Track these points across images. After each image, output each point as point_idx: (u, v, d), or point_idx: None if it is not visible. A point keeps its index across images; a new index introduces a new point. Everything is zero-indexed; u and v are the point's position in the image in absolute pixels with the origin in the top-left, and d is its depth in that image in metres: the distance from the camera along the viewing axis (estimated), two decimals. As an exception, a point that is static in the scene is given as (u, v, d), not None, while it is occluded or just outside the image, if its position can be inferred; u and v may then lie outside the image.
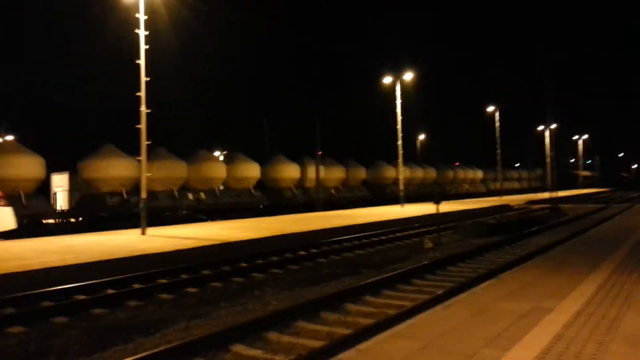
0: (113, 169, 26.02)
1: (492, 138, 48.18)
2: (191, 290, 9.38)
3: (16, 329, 6.98)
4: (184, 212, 28.83)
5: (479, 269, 10.61)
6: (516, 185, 69.70)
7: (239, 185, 32.70)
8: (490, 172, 62.34)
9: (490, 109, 47.76)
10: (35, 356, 6.01)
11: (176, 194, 28.60)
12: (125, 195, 26.27)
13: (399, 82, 31.79)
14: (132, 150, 20.01)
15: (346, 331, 6.28)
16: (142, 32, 17.30)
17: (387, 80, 31.81)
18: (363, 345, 4.46)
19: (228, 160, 33.51)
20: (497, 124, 47.34)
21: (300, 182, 37.23)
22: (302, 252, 13.53)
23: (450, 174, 55.87)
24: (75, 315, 7.71)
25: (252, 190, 33.18)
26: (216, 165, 31.43)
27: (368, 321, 6.71)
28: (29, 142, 26.15)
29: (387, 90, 32.65)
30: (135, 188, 25.74)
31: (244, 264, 11.75)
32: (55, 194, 29.63)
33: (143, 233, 16.74)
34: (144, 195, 17.31)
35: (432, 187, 49.15)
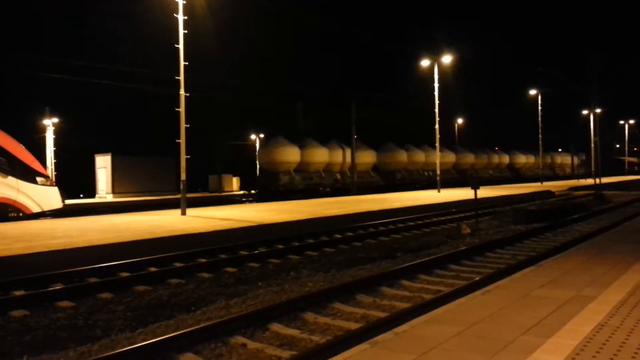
0: (284, 155, 34.54)
1: (534, 123, 46.91)
2: (229, 269, 9.59)
3: (65, 304, 7.32)
4: (328, 189, 37.12)
5: (519, 256, 10.42)
6: (558, 171, 67.80)
7: (361, 168, 39.06)
8: (531, 157, 60.81)
9: (533, 92, 46.36)
10: (83, 330, 6.29)
11: (323, 174, 37.12)
12: (292, 174, 34.99)
13: (436, 65, 31.19)
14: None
15: (382, 314, 6.31)
16: (180, 17, 17.53)
17: (425, 63, 31.24)
18: (399, 329, 4.47)
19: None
20: (540, 108, 45.98)
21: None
22: (338, 235, 13.60)
23: (488, 158, 55.08)
24: (119, 291, 8.02)
25: (371, 172, 41.29)
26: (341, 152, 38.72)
27: (404, 305, 6.72)
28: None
29: (427, 74, 32.08)
30: (297, 168, 35.40)
31: (280, 246, 11.91)
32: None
33: (183, 213, 17.16)
34: (183, 177, 17.67)
35: (470, 172, 49.80)
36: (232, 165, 52.76)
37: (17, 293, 7.70)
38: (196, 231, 12.21)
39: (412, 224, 16.12)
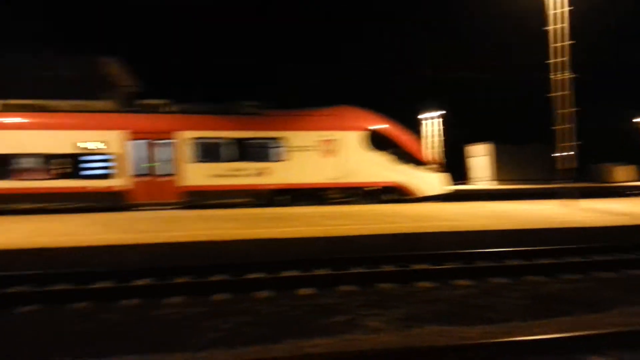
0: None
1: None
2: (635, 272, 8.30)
3: (463, 282, 7.84)
4: None
5: None
6: None
7: None
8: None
9: None
10: (473, 309, 6.52)
11: None
12: None
13: None
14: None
15: None
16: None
17: None
18: None
19: None
20: None
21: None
22: None
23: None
24: (512, 278, 8.03)
25: None
26: None
27: None
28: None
29: None
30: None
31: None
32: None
33: (573, 204, 16.11)
34: (567, 165, 16.52)
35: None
36: (622, 152, 46.16)
37: (416, 267, 8.67)
38: (579, 225, 11.24)
39: None
